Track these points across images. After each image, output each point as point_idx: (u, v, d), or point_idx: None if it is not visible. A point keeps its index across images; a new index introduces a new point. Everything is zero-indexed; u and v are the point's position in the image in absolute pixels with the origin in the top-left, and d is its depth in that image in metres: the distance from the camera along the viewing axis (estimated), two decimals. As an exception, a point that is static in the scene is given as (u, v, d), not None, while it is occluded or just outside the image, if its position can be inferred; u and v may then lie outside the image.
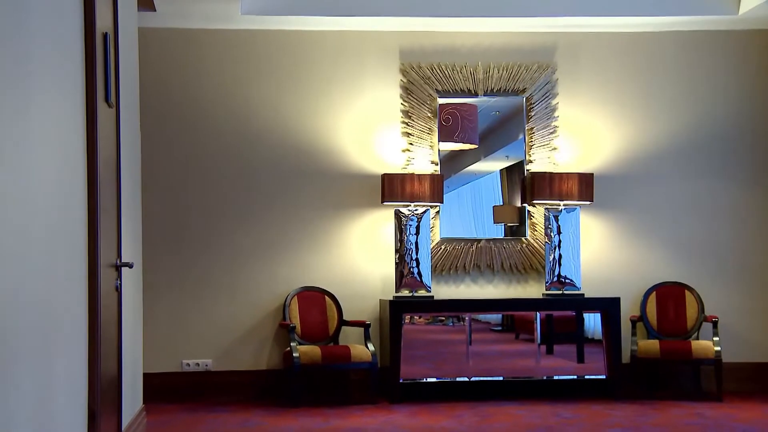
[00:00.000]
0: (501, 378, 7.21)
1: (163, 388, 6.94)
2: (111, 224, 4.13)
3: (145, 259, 6.25)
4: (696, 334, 7.36)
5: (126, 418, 4.64)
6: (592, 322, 7.36)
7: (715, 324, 7.14)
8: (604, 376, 7.15)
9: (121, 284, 4.32)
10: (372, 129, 7.46)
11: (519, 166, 7.65)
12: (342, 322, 7.25)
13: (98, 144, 3.69)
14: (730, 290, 7.61)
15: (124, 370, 4.53)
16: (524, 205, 7.57)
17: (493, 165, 7.85)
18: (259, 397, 7.13)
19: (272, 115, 7.37)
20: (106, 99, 3.98)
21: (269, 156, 7.35)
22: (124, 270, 4.49)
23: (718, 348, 6.99)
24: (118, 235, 4.36)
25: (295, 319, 7.15)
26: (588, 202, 7.36)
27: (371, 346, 6.96)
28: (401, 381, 6.93)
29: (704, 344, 7.07)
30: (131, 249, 5.02)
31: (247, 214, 7.33)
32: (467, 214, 7.77)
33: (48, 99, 3.00)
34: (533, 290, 7.54)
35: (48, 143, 3.00)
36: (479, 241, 7.55)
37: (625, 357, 7.24)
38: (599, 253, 7.57)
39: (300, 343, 7.00)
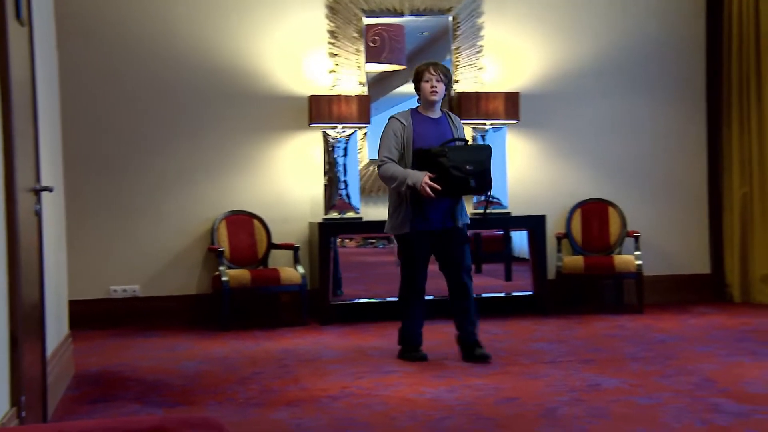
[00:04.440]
0: (432, 297, 7.28)
1: (90, 315, 6.86)
2: (28, 147, 4.02)
3: (68, 184, 6.12)
4: (619, 249, 7.53)
5: (51, 345, 4.58)
6: (519, 240, 7.47)
7: (636, 239, 7.32)
8: (531, 293, 7.29)
9: (41, 209, 4.23)
10: (298, 50, 7.35)
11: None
12: (271, 246, 7.24)
13: (10, 64, 3.56)
14: (651, 206, 7.79)
15: (47, 297, 4.45)
16: (451, 125, 7.57)
17: (420, 86, 7.79)
18: (189, 322, 7.10)
19: (194, 35, 7.20)
20: (18, 16, 3.84)
21: (192, 78, 7.20)
22: (45, 195, 4.39)
23: (640, 262, 7.19)
24: (36, 158, 4.24)
25: (224, 243, 7.11)
26: (514, 121, 7.40)
27: (301, 269, 6.97)
28: (331, 303, 6.97)
29: (626, 258, 7.25)
30: (51, 173, 4.89)
31: (172, 137, 7.20)
32: (395, 135, 7.73)
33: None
34: (461, 210, 7.59)
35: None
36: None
37: (551, 273, 7.38)
38: (525, 172, 7.65)
39: (229, 267, 6.97)
